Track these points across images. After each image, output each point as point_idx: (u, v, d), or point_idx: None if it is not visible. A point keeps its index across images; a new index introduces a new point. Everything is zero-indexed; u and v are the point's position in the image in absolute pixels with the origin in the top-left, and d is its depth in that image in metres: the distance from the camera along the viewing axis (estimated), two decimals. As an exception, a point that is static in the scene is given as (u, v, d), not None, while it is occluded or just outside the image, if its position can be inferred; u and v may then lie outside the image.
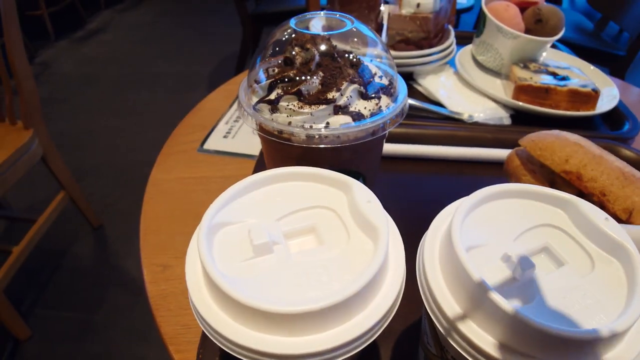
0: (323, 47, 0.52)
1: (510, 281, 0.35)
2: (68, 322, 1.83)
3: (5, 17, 1.46)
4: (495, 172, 0.79)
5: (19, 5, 1.53)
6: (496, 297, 0.31)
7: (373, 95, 0.53)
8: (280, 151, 0.54)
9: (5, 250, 1.68)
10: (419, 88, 1.08)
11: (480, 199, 0.40)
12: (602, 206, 0.58)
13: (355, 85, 0.51)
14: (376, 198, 0.39)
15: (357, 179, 0.55)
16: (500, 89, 1.08)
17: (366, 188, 0.40)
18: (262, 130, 0.52)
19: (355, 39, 0.57)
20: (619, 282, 0.35)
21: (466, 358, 0.33)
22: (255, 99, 0.54)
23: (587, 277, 0.36)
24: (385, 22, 1.13)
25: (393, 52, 1.08)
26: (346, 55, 0.54)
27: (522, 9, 1.09)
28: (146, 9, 5.32)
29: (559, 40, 1.18)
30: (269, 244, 0.36)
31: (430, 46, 1.09)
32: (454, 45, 1.15)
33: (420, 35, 1.07)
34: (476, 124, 0.95)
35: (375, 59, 0.58)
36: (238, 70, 3.31)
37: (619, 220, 0.57)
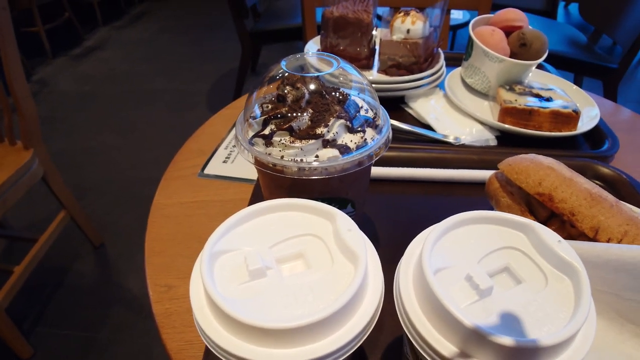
0: (312, 86, 0.57)
1: (472, 298, 0.40)
2: (70, 341, 1.87)
3: (2, 37, 1.48)
4: (481, 193, 0.83)
5: (14, 22, 1.53)
6: (457, 313, 0.36)
7: (359, 129, 0.58)
8: (274, 181, 0.60)
9: (6, 270, 1.72)
10: (410, 111, 1.14)
11: (450, 225, 0.46)
12: (572, 225, 0.63)
13: (342, 121, 0.56)
14: (356, 227, 0.45)
15: (346, 205, 0.61)
16: (488, 110, 1.14)
17: (348, 217, 0.45)
18: (258, 163, 0.57)
19: (341, 78, 0.62)
20: (568, 297, 0.40)
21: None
22: (251, 133, 0.59)
23: (541, 293, 0.41)
24: (377, 47, 1.19)
25: (385, 77, 1.13)
26: (333, 92, 0.59)
27: (507, 33, 1.14)
28: (144, 26, 5.39)
29: (550, 54, 1.23)
30: (262, 269, 0.41)
31: (421, 70, 1.14)
32: (444, 69, 1.21)
33: (411, 59, 1.13)
34: (463, 145, 1.00)
35: (361, 93, 0.64)
36: (237, 86, 3.37)
37: (587, 238, 0.62)
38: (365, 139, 0.58)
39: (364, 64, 1.16)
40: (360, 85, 0.64)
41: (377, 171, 0.90)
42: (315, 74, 0.59)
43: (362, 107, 0.62)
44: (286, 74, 0.59)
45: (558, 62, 2.63)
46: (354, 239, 0.43)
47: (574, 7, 5.41)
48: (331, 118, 0.56)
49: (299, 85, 0.57)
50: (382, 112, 0.63)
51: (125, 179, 2.74)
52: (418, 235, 0.47)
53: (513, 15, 1.14)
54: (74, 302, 2.04)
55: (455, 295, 0.40)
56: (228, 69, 4.11)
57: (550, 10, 3.53)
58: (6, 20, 1.48)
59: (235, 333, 0.38)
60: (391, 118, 1.04)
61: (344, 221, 0.45)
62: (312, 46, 1.24)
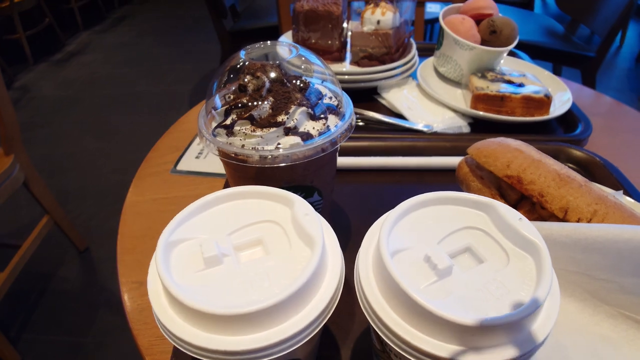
0: (273, 75, 0.57)
1: (431, 279, 0.39)
2: (58, 346, 1.85)
3: None
4: (453, 179, 0.83)
5: None
6: (414, 294, 0.36)
7: (321, 116, 0.58)
8: (239, 171, 0.59)
9: (-10, 277, 1.69)
10: (383, 102, 1.14)
11: (409, 207, 0.45)
12: (542, 206, 0.63)
13: (303, 108, 0.56)
14: (314, 211, 0.44)
15: (312, 193, 0.61)
16: (461, 98, 1.14)
17: (306, 202, 0.45)
18: (222, 154, 0.56)
19: (304, 66, 0.62)
20: (530, 275, 0.40)
21: (397, 350, 0.38)
22: (214, 124, 0.58)
23: (502, 272, 0.40)
24: (348, 40, 1.18)
25: (357, 69, 1.13)
26: (294, 80, 0.58)
27: (478, 21, 1.15)
28: (125, 29, 5.35)
29: (528, 45, 1.24)
30: (218, 256, 0.41)
31: (392, 61, 1.14)
32: (416, 58, 1.21)
33: (382, 50, 1.12)
34: (435, 133, 1.00)
35: (324, 81, 0.63)
36: (219, 87, 3.35)
37: (557, 219, 0.62)
38: (328, 126, 0.57)
39: (336, 57, 1.16)
40: (322, 73, 0.63)
41: (349, 161, 0.90)
42: (276, 62, 0.58)
43: (325, 94, 0.62)
44: (247, 63, 0.58)
45: (536, 53, 2.64)
46: (311, 223, 0.42)
47: (551, -2, 5.46)
48: (292, 106, 0.55)
49: (259, 74, 0.56)
50: (345, 98, 0.63)
51: (109, 182, 2.72)
52: (377, 220, 0.47)
53: (483, 3, 1.15)
54: (60, 307, 2.02)
55: (413, 276, 0.39)
56: (210, 69, 4.09)
57: (527, 2, 3.55)
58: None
59: (190, 321, 0.38)
60: (365, 109, 1.05)
61: (301, 206, 0.44)
62: (285, 40, 1.24)
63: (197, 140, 1.03)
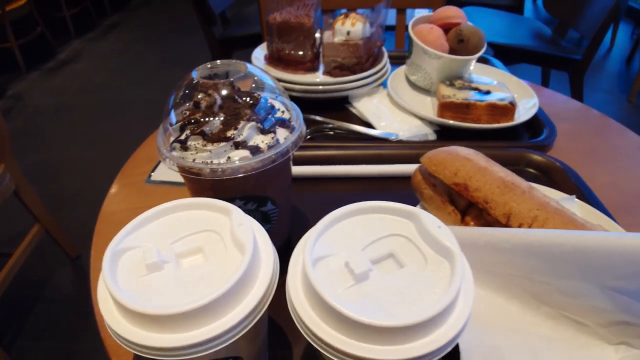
0: (224, 92, 0.61)
1: (348, 283, 0.43)
2: (51, 353, 1.88)
3: None
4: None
5: None
6: (327, 297, 0.40)
7: (270, 130, 0.61)
8: (195, 183, 0.63)
9: (-18, 286, 1.72)
10: (354, 111, 1.17)
11: (337, 216, 0.49)
12: (487, 213, 0.67)
13: (252, 123, 0.60)
14: (249, 219, 0.48)
15: (266, 202, 0.64)
16: (430, 106, 1.17)
17: (241, 212, 0.49)
18: (179, 168, 0.60)
19: (253, 84, 0.66)
20: (444, 279, 0.44)
21: (317, 349, 0.42)
22: (172, 139, 0.62)
23: (419, 276, 0.44)
24: (321, 50, 1.22)
25: (330, 79, 1.16)
26: (245, 97, 0.62)
27: (446, 30, 1.18)
28: (116, 37, 5.38)
29: (516, 48, 1.25)
30: (158, 263, 0.45)
31: (363, 70, 1.18)
32: (388, 67, 1.25)
33: (353, 60, 1.16)
34: (401, 141, 1.04)
35: (277, 96, 0.67)
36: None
37: (501, 224, 0.65)
38: (277, 139, 0.61)
39: (309, 67, 1.19)
40: (273, 88, 0.67)
41: (313, 170, 0.93)
42: (228, 80, 0.62)
43: (278, 109, 0.65)
44: (200, 82, 0.62)
45: (524, 56, 2.69)
46: (244, 232, 0.46)
47: (541, 2, 5.48)
48: (242, 121, 0.59)
49: (210, 92, 0.60)
50: (296, 112, 0.66)
51: (101, 190, 2.70)
52: (311, 229, 0.50)
53: (451, 12, 1.18)
54: (53, 314, 2.05)
55: (332, 281, 0.43)
56: (201, 76, 4.11)
57: (517, 6, 3.59)
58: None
59: (132, 322, 0.42)
60: (336, 118, 1.08)
61: (237, 216, 0.48)
62: (260, 52, 1.28)
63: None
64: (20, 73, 4.40)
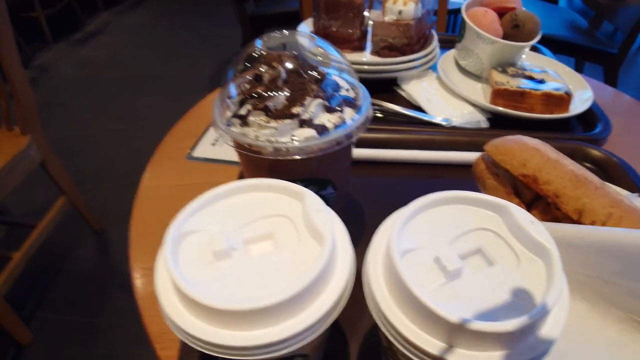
0: (289, 65, 0.56)
1: (440, 280, 0.39)
2: (70, 326, 1.87)
3: None
4: (469, 175, 0.82)
5: (12, 7, 1.51)
6: (421, 295, 0.36)
7: (337, 109, 0.57)
8: (252, 162, 0.59)
9: (5, 256, 1.72)
10: (402, 93, 1.13)
11: (422, 205, 0.45)
12: (557, 207, 0.62)
13: (319, 100, 0.55)
14: (325, 207, 0.44)
15: (326, 186, 0.60)
16: (481, 92, 1.12)
17: (317, 198, 0.45)
18: (235, 144, 0.56)
19: (321, 57, 0.61)
20: (540, 279, 0.40)
21: (403, 351, 0.38)
22: (229, 114, 0.58)
23: (512, 275, 0.40)
24: (369, 29, 1.17)
25: (377, 59, 1.12)
26: (311, 71, 0.58)
27: (500, 14, 1.13)
28: (145, 10, 5.32)
29: (551, 38, 1.22)
30: (227, 250, 0.41)
31: (413, 52, 1.13)
32: (437, 50, 1.20)
33: (403, 41, 1.11)
34: (454, 127, 0.99)
35: (342, 73, 0.63)
36: (238, 72, 3.34)
37: (571, 220, 0.61)
38: (344, 119, 0.57)
39: (357, 46, 1.15)
40: (340, 64, 0.63)
41: (365, 153, 0.89)
42: (293, 52, 0.58)
43: (342, 86, 0.61)
44: (263, 53, 0.58)
45: (559, 47, 2.60)
46: (322, 219, 0.42)
47: (577, -8, 5.35)
48: (308, 97, 0.55)
49: (275, 64, 0.56)
50: (363, 91, 0.62)
51: (125, 164, 2.73)
52: (389, 217, 0.46)
53: (506, -5, 1.13)
54: (74, 287, 2.04)
55: (422, 277, 0.39)
56: (228, 54, 4.06)
57: (552, -6, 3.50)
58: (1, 6, 1.47)
59: (198, 315, 0.38)
60: (383, 100, 1.04)
61: (312, 201, 0.44)
62: (305, 28, 1.23)
63: (214, 126, 1.03)
64: (47, 44, 4.36)
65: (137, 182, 0.88)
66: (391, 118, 1.03)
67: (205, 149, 0.95)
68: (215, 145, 0.96)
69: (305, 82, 0.56)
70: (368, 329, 0.61)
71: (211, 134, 1.00)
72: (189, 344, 0.38)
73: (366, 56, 1.15)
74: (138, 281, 0.70)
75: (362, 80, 1.08)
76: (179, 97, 3.46)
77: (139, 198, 0.84)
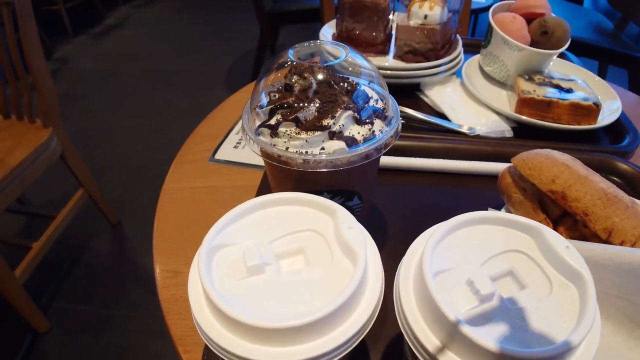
0: (320, 76, 0.56)
1: (472, 303, 0.39)
2: (86, 316, 1.90)
3: (21, 15, 1.49)
4: (493, 186, 0.81)
5: (34, 0, 1.54)
6: (454, 319, 0.35)
7: (367, 121, 0.57)
8: (280, 172, 0.59)
9: (25, 246, 1.75)
10: (425, 99, 1.12)
11: (454, 225, 0.44)
12: (585, 225, 0.61)
13: (349, 112, 0.55)
14: (357, 224, 0.44)
15: (353, 197, 0.60)
16: (505, 100, 1.11)
17: (349, 214, 0.45)
18: (264, 154, 0.56)
19: (351, 68, 0.61)
20: (573, 306, 0.39)
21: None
22: (257, 122, 0.58)
23: (545, 300, 0.39)
24: (394, 32, 1.17)
25: (401, 64, 1.11)
26: (342, 82, 0.58)
27: (529, 20, 1.11)
28: (163, 4, 5.39)
29: (575, 41, 1.19)
30: (260, 265, 0.41)
31: (437, 57, 1.12)
32: (462, 56, 1.19)
33: (428, 46, 1.10)
34: (478, 136, 0.98)
35: (371, 82, 0.62)
36: (255, 67, 3.35)
37: (600, 239, 0.60)
38: (373, 131, 0.57)
39: (380, 49, 1.14)
40: (370, 74, 0.62)
41: (387, 161, 0.89)
42: (324, 64, 0.57)
43: (371, 97, 0.61)
44: (294, 63, 0.57)
45: (582, 50, 2.56)
46: (354, 237, 0.42)
47: (602, -7, 5.28)
48: (338, 109, 0.55)
49: (306, 74, 0.56)
50: (392, 102, 0.62)
51: (143, 158, 2.76)
52: (421, 235, 0.46)
53: (535, 1, 1.11)
54: (91, 278, 2.07)
55: (454, 299, 0.39)
56: (246, 49, 4.09)
57: (577, -5, 3.45)
58: (25, 0, 1.50)
59: (232, 330, 0.38)
60: (406, 106, 1.03)
61: (344, 218, 0.44)
62: (328, 30, 1.22)
63: (236, 129, 1.03)
64: (67, 36, 4.43)
65: (154, 176, 0.89)
66: (413, 125, 1.02)
67: (227, 151, 0.95)
68: (237, 148, 0.96)
69: (336, 93, 0.56)
70: (390, 340, 0.61)
71: (233, 137, 1.00)
72: (221, 356, 0.38)
73: (389, 60, 1.14)
74: (161, 284, 0.70)
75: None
76: (195, 92, 3.49)
77: (161, 201, 0.85)
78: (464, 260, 0.42)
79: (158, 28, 4.75)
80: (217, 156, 0.94)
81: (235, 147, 0.96)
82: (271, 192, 0.60)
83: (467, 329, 0.35)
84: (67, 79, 3.73)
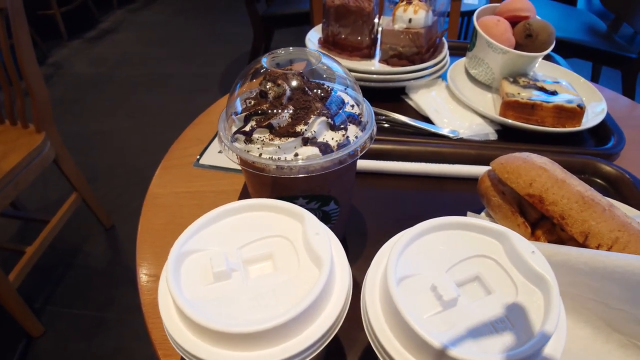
0: (294, 83, 0.56)
1: (436, 309, 0.39)
2: (80, 320, 1.90)
3: (14, 21, 1.50)
4: (474, 190, 0.81)
5: (29, 4, 1.55)
6: (415, 324, 0.36)
7: (341, 126, 0.57)
8: (256, 178, 0.59)
9: (18, 250, 1.75)
10: (410, 103, 1.12)
11: (421, 231, 0.45)
12: (562, 229, 0.62)
13: (323, 118, 0.55)
14: (325, 229, 0.44)
15: (329, 202, 0.61)
16: (491, 103, 1.12)
17: (317, 220, 0.45)
18: (239, 161, 0.56)
19: (325, 74, 0.61)
20: (537, 310, 0.39)
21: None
22: (234, 129, 0.58)
23: (510, 305, 0.40)
24: (379, 36, 1.17)
25: (386, 67, 1.11)
26: (316, 89, 0.58)
27: (513, 23, 1.12)
28: (158, 8, 5.38)
29: (568, 42, 1.19)
30: (227, 271, 0.41)
31: (423, 61, 1.12)
32: (447, 59, 1.19)
33: (413, 50, 1.11)
34: (461, 140, 0.98)
35: (346, 88, 0.63)
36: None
37: (576, 242, 0.60)
38: (348, 137, 0.57)
39: (366, 53, 1.14)
40: (344, 80, 0.63)
41: (369, 164, 0.89)
42: (298, 71, 0.58)
43: (347, 103, 0.61)
44: (268, 70, 0.58)
45: (576, 51, 2.57)
46: (320, 243, 0.43)
47: (596, -7, 5.29)
48: (312, 115, 0.55)
49: (280, 81, 0.56)
50: (367, 107, 0.62)
51: (137, 162, 2.76)
52: (389, 241, 0.46)
53: (520, 4, 1.12)
54: (84, 282, 2.07)
55: (418, 305, 0.39)
56: (241, 52, 4.10)
57: (570, -3, 3.45)
58: (18, 5, 1.50)
59: (198, 334, 0.39)
60: (391, 109, 1.04)
61: (312, 224, 0.45)
62: (314, 35, 1.23)
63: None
64: (62, 41, 4.43)
65: (148, 180, 0.89)
66: (398, 128, 1.03)
67: (212, 156, 0.95)
68: (222, 153, 0.96)
69: (309, 99, 0.56)
70: (367, 343, 0.61)
71: (218, 142, 1.00)
72: (185, 357, 0.39)
73: (375, 64, 1.14)
74: (144, 288, 0.70)
75: (370, 89, 1.08)
76: (190, 96, 3.50)
77: (145, 206, 0.85)
78: (430, 266, 0.43)
79: (153, 32, 4.75)
80: (202, 161, 0.94)
81: (220, 152, 0.96)
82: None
83: (426, 335, 0.35)
84: (62, 83, 3.73)
